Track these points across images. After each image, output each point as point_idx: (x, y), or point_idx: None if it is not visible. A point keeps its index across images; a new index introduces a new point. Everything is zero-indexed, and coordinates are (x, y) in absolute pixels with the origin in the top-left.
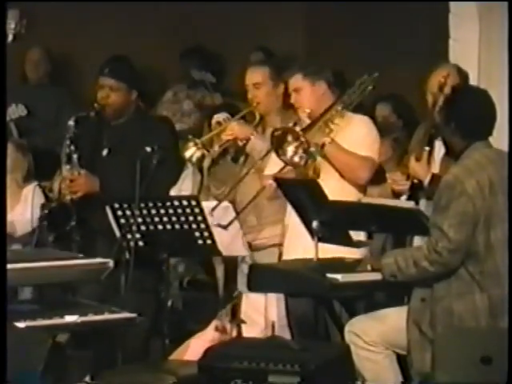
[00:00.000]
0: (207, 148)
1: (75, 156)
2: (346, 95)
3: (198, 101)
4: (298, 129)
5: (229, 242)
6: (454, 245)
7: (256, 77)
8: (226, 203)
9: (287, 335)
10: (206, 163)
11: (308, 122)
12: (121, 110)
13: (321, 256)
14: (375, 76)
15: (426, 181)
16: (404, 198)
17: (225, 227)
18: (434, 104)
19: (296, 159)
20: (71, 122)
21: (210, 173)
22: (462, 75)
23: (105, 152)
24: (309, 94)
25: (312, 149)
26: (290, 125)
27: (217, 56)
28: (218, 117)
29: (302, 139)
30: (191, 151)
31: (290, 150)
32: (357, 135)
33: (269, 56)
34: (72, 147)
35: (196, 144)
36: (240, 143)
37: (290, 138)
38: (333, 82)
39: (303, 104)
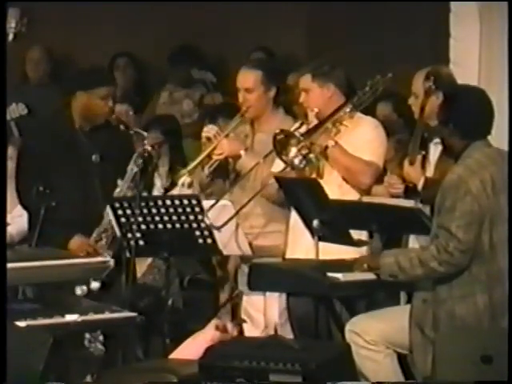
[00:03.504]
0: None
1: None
2: (356, 97)
3: (197, 100)
4: (298, 134)
5: (229, 241)
6: (464, 245)
7: (247, 81)
8: (225, 202)
9: (286, 333)
10: (200, 184)
11: (315, 121)
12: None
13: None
14: (388, 77)
15: (420, 185)
16: None
17: (218, 228)
18: (422, 109)
19: (296, 162)
20: (147, 143)
21: (202, 190)
22: (446, 76)
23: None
24: (316, 96)
25: (311, 155)
26: (297, 125)
27: (212, 55)
28: (208, 131)
29: (303, 144)
30: (183, 179)
31: (292, 152)
32: (363, 138)
33: (269, 56)
34: (142, 166)
35: (185, 173)
36: (230, 160)
37: (292, 141)
38: (344, 84)
39: (311, 105)
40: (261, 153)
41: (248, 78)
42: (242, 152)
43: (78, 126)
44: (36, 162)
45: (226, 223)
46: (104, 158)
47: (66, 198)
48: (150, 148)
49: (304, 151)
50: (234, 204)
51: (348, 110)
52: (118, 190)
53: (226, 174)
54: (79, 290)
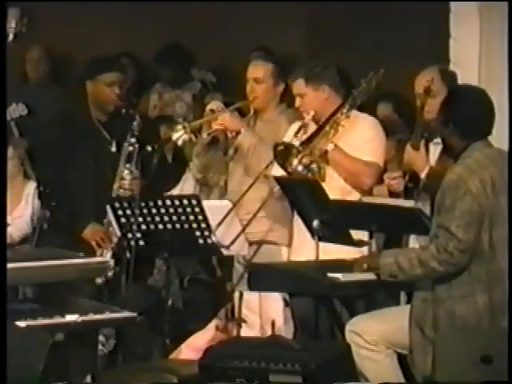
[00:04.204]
0: (196, 134)
1: (135, 156)
2: (351, 97)
3: (190, 101)
4: (298, 142)
5: (230, 240)
6: (464, 245)
7: (258, 72)
8: (226, 202)
9: (284, 334)
10: (196, 150)
11: (312, 124)
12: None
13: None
14: (381, 73)
15: (424, 173)
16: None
17: (227, 247)
18: (422, 107)
19: (299, 169)
20: (137, 122)
21: (197, 159)
22: (449, 76)
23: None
24: (312, 99)
25: (313, 165)
26: (295, 129)
27: (192, 54)
28: (212, 105)
29: (303, 154)
30: (178, 134)
31: (294, 163)
32: (362, 139)
33: (269, 55)
34: (137, 146)
35: (184, 127)
36: (229, 135)
37: (292, 151)
38: (338, 83)
39: (307, 108)
40: (261, 135)
41: (259, 69)
42: (242, 129)
43: (94, 117)
44: (55, 156)
45: (234, 241)
46: (121, 147)
47: (82, 187)
48: (150, 148)
49: (305, 160)
50: (233, 180)
51: (345, 110)
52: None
53: (225, 148)
54: (99, 279)
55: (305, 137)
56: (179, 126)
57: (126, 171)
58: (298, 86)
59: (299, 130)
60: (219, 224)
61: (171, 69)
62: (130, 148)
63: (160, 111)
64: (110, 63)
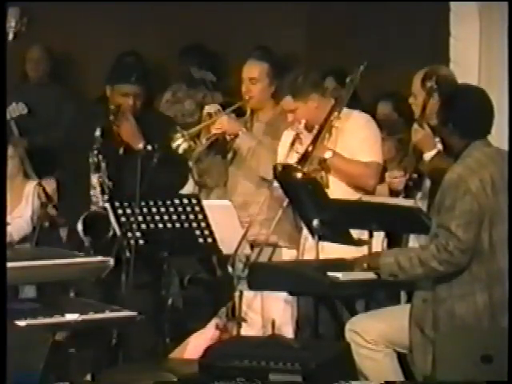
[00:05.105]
0: (194, 140)
1: (103, 164)
2: (339, 99)
3: (199, 100)
4: (296, 157)
5: (230, 240)
6: (464, 244)
7: (253, 72)
8: (226, 202)
9: (285, 334)
10: (195, 155)
11: (305, 132)
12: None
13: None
14: (365, 65)
15: (431, 154)
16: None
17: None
18: (424, 108)
19: None
20: (98, 133)
21: (197, 164)
22: (445, 76)
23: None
24: (304, 112)
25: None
26: (291, 139)
27: (215, 54)
28: (209, 108)
29: (303, 169)
30: (178, 142)
31: (298, 176)
32: (357, 139)
33: (264, 55)
34: (100, 156)
35: (183, 135)
36: (228, 138)
37: (291, 169)
38: (322, 85)
39: (301, 120)
40: (259, 138)
41: (254, 69)
42: (240, 132)
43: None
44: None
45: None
46: (128, 151)
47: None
48: (150, 148)
49: (306, 173)
50: (232, 183)
51: (336, 113)
52: None
53: (224, 151)
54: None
55: (301, 149)
56: (178, 135)
57: (95, 180)
58: (287, 103)
59: (294, 141)
60: (234, 254)
61: (191, 68)
62: (95, 159)
63: (170, 107)
64: (128, 74)
